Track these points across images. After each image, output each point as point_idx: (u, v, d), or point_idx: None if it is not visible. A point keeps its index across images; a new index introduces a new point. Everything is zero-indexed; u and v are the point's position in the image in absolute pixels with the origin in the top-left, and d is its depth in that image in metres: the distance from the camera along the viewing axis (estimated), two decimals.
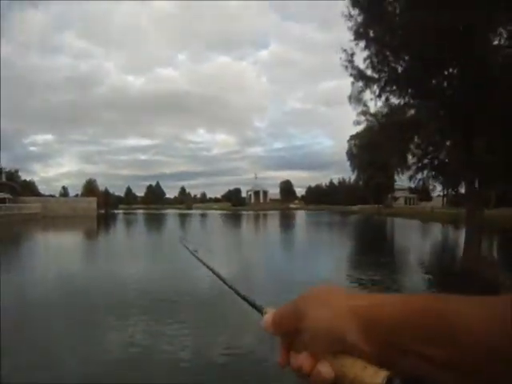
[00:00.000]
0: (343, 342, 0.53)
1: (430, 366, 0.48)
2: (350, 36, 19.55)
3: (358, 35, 19.37)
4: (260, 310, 0.67)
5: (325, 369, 0.53)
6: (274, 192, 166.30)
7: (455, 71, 17.96)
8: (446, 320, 0.47)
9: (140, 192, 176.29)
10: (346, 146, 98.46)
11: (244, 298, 0.73)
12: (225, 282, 0.84)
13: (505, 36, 16.67)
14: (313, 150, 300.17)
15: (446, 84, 18.62)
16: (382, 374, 0.49)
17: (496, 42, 16.95)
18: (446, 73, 18.42)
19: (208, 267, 0.99)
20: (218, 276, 0.89)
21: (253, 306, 0.70)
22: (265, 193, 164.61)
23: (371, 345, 0.52)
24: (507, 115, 15.53)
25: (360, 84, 20.52)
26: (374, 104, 20.96)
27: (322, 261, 22.14)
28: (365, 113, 21.40)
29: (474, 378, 0.45)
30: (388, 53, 18.76)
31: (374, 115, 21.19)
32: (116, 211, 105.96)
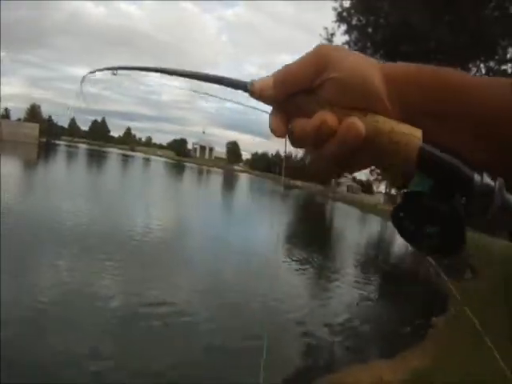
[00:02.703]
0: (374, 98, 0.47)
1: (451, 132, 0.46)
2: (332, 17, 19.56)
3: (341, 18, 19.38)
4: (243, 85, 0.52)
5: (357, 121, 0.45)
6: (220, 151, 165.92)
7: None
8: (463, 86, 0.46)
9: (85, 126, 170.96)
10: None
11: (216, 77, 0.55)
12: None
13: (483, 71, 17.50)
14: (263, 118, 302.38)
15: None
16: (419, 130, 0.45)
17: (473, 72, 17.67)
18: None
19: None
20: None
21: (231, 83, 0.54)
22: (211, 149, 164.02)
23: (394, 105, 0.47)
24: None
25: None
26: None
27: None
28: None
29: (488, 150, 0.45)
30: (368, 44, 18.89)
31: None
32: (58, 142, 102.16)
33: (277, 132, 0.50)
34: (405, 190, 0.47)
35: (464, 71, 0.48)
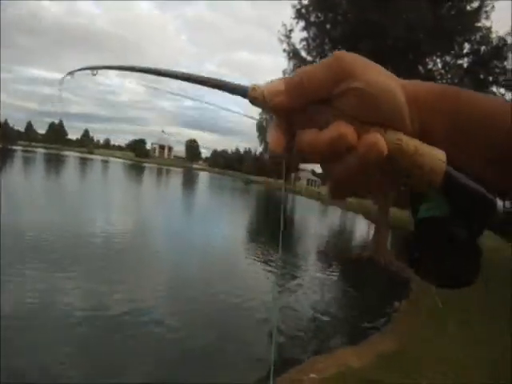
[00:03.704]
0: (397, 114, 0.42)
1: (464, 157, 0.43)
2: (291, 13, 19.80)
3: (300, 15, 19.63)
4: (242, 91, 0.47)
5: (379, 139, 0.40)
6: (179, 149, 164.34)
7: None
8: (480, 111, 0.43)
9: (41, 129, 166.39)
10: (256, 117, 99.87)
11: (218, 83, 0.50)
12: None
13: (439, 66, 18.18)
14: (222, 115, 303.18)
15: None
16: (443, 152, 0.42)
17: (430, 67, 18.47)
18: None
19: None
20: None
21: (229, 87, 0.48)
22: (170, 148, 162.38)
23: (414, 127, 0.43)
24: None
25: (293, 62, 20.83)
26: None
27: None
28: None
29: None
30: (326, 40, 19.19)
31: None
32: (14, 147, 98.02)
33: (276, 146, 0.45)
34: (419, 217, 0.45)
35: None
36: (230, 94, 0.48)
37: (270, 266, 13.83)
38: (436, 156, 0.42)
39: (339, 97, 0.42)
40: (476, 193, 0.42)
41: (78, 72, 0.70)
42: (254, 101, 0.45)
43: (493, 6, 17.34)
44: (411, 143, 0.42)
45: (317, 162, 0.46)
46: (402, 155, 0.41)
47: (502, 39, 17.64)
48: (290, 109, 0.44)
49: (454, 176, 0.42)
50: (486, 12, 17.44)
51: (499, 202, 0.41)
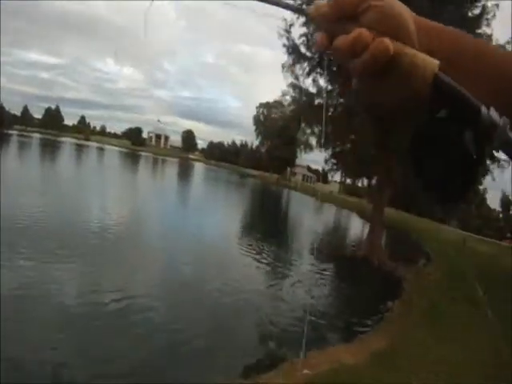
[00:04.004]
0: (406, 32, 0.55)
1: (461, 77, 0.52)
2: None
3: (299, 10, 19.58)
4: (302, 10, 0.63)
5: (387, 40, 0.53)
6: (176, 139, 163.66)
7: None
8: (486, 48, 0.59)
9: (38, 114, 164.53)
10: (253, 111, 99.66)
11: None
12: None
13: None
14: (219, 107, 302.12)
15: None
16: (437, 61, 0.52)
17: None
18: None
19: None
20: None
21: (293, 8, 0.66)
22: (166, 138, 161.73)
23: (420, 49, 0.55)
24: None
25: (292, 57, 20.82)
26: (303, 81, 21.26)
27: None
28: (294, 86, 21.59)
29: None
30: None
31: (301, 91, 21.49)
32: (10, 131, 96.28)
33: (321, 45, 0.58)
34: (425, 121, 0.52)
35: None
36: (293, 12, 0.71)
37: (262, 262, 13.90)
38: (430, 60, 0.52)
39: (363, 12, 0.55)
40: (461, 95, 0.49)
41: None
42: (309, 15, 0.58)
43: (494, 14, 17.42)
44: (412, 50, 0.53)
45: (345, 60, 0.56)
46: (402, 56, 0.52)
47: (501, 48, 17.55)
48: (330, 19, 0.57)
49: (442, 78, 0.51)
50: (487, 19, 17.49)
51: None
